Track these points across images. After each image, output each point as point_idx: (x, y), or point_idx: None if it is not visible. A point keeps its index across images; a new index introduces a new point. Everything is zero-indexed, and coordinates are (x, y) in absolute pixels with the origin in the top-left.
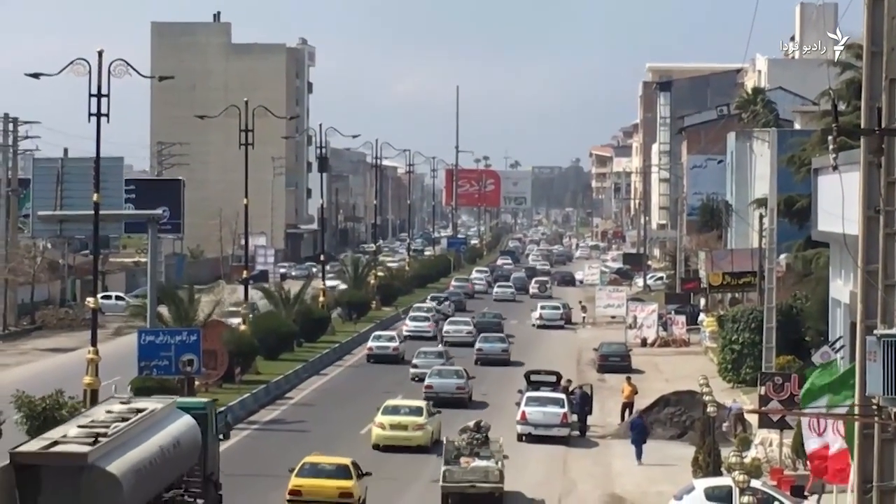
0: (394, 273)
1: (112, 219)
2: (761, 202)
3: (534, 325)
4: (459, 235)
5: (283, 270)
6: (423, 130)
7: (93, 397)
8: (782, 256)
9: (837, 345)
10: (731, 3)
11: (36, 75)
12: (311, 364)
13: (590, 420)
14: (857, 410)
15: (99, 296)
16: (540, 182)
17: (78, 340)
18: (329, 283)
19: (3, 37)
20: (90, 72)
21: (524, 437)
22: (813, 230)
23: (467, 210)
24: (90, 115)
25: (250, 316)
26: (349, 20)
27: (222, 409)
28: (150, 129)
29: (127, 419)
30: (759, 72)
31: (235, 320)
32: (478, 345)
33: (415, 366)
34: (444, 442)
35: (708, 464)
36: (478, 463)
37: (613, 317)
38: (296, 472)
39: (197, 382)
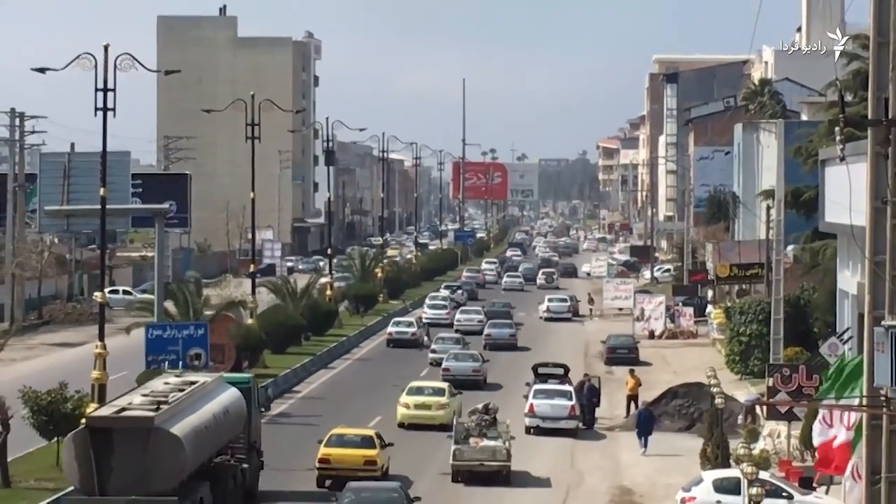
0: (401, 266)
1: (119, 213)
2: (768, 193)
3: (541, 317)
4: (466, 228)
5: (290, 264)
6: (429, 123)
7: (101, 392)
8: (790, 248)
9: (845, 336)
10: None
11: (42, 70)
12: (319, 357)
13: (597, 412)
14: (865, 402)
15: (106, 290)
16: (547, 174)
17: (85, 335)
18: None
19: (9, 32)
20: (96, 66)
21: (532, 430)
22: (820, 221)
23: (474, 203)
24: (96, 109)
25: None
26: (355, 13)
27: (263, 384)
28: (156, 123)
29: (182, 390)
30: (766, 63)
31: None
32: (486, 330)
33: (433, 351)
34: (455, 423)
35: (716, 456)
36: (486, 443)
37: (621, 309)
38: (324, 442)
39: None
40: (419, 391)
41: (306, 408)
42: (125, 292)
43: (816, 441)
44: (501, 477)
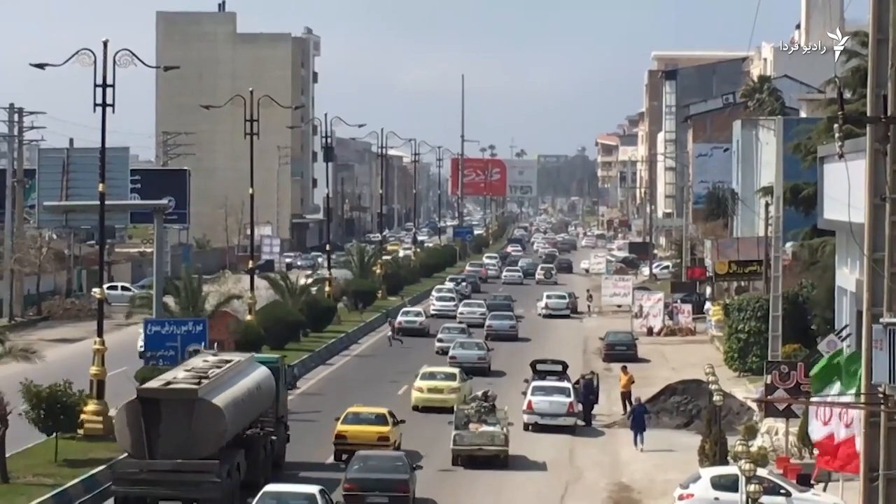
0: (400, 263)
1: (118, 209)
2: (767, 190)
3: (540, 314)
4: (465, 224)
5: (288, 260)
6: (428, 119)
7: (99, 388)
8: (788, 244)
9: (844, 333)
10: None
11: (41, 66)
12: (318, 354)
13: (596, 409)
14: (863, 399)
15: (105, 286)
16: (546, 171)
17: (84, 331)
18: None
19: (9, 28)
20: (95, 62)
21: (530, 427)
22: (819, 218)
23: (473, 199)
24: (96, 105)
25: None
26: (354, 9)
27: (290, 365)
28: (155, 118)
29: (220, 367)
30: (765, 60)
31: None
32: (488, 322)
33: (440, 340)
34: (455, 409)
35: (714, 452)
36: (485, 428)
37: (619, 306)
38: (341, 420)
39: None
40: (432, 376)
41: (305, 404)
42: (124, 288)
43: (815, 437)
44: (499, 461)
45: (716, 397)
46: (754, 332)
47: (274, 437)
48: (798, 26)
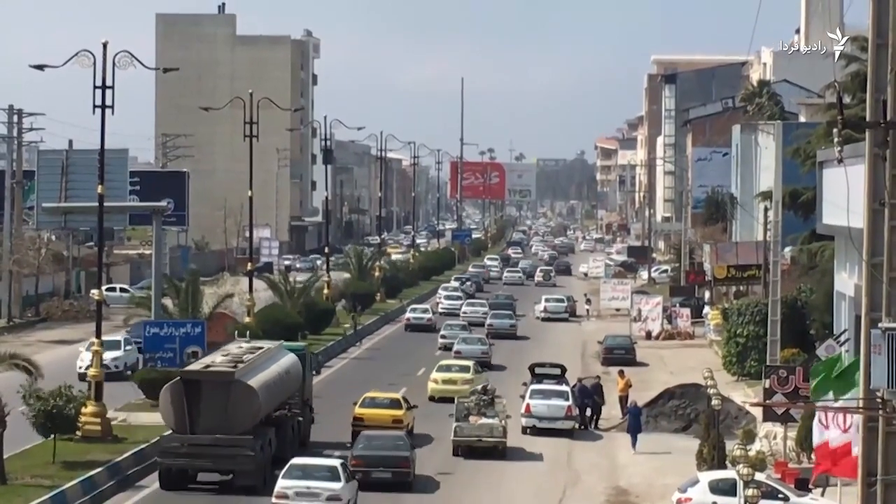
0: (398, 265)
1: (117, 211)
2: (766, 195)
3: (538, 317)
4: (464, 228)
5: (287, 262)
6: (427, 122)
7: (97, 389)
8: (787, 249)
9: (842, 338)
10: None
11: (40, 67)
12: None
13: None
14: (861, 403)
15: (104, 287)
16: (545, 174)
17: (83, 332)
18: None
19: (8, 29)
20: (95, 63)
21: (528, 430)
22: (818, 223)
23: (472, 202)
24: (95, 106)
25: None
26: (354, 12)
27: (314, 352)
28: (154, 120)
29: (253, 353)
30: (765, 64)
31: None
32: (489, 321)
33: (443, 336)
34: (455, 402)
35: (713, 456)
36: (484, 420)
37: (618, 309)
38: (358, 404)
39: None
40: (447, 368)
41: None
42: (122, 290)
43: (815, 442)
44: (498, 452)
45: (714, 401)
46: (753, 336)
47: (300, 419)
48: (798, 31)
